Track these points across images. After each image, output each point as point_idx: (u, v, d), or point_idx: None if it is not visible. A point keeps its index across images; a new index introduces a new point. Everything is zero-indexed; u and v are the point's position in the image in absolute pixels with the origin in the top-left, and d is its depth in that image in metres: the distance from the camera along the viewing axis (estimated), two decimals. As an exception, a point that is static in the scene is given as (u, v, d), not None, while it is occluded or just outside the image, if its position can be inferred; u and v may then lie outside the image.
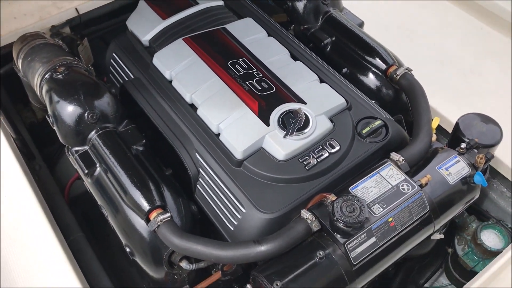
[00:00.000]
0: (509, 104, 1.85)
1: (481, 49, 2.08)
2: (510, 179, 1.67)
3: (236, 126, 1.29)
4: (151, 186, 1.21)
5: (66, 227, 1.54)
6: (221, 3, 1.68)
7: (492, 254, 1.57)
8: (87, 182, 1.34)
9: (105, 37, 1.94)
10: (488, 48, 2.07)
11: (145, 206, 1.17)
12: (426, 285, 1.87)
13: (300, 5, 1.70)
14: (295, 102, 1.35)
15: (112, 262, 1.66)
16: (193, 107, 1.39)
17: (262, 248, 1.08)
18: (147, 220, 1.17)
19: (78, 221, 1.62)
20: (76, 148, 1.32)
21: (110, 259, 1.64)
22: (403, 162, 1.24)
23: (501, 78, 1.97)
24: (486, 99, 1.85)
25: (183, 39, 1.51)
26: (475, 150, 1.33)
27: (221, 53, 1.47)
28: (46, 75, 1.37)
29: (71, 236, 1.54)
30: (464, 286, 1.39)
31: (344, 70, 1.59)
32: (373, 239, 1.12)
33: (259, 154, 1.27)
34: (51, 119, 1.34)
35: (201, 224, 1.31)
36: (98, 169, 1.29)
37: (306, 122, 1.29)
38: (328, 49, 1.65)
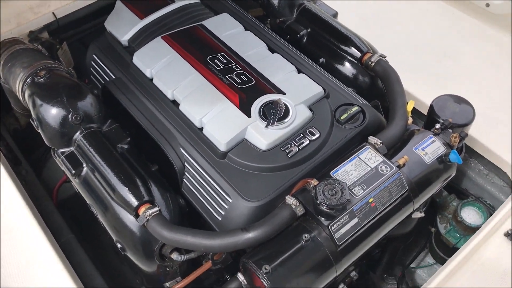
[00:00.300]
0: (480, 85, 1.91)
1: (454, 33, 2.14)
2: (486, 157, 1.73)
3: (219, 119, 1.33)
4: (138, 182, 1.24)
5: (56, 229, 1.56)
6: (197, 0, 1.70)
7: (473, 230, 1.63)
8: (75, 182, 1.36)
9: (84, 39, 1.95)
10: (460, 32, 2.13)
11: (134, 201, 1.20)
12: (412, 265, 1.93)
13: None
14: (275, 93, 1.38)
15: (105, 261, 1.69)
16: (175, 103, 1.42)
17: (250, 235, 1.12)
18: (136, 216, 1.20)
19: (68, 223, 1.64)
20: (62, 150, 1.35)
21: (102, 259, 1.66)
22: (381, 145, 1.28)
23: (473, 60, 2.03)
24: (459, 81, 1.91)
25: (161, 37, 1.53)
26: (450, 130, 1.39)
27: (200, 49, 1.50)
28: (28, 80, 1.39)
29: (62, 238, 1.56)
30: (446, 262, 1.45)
31: (321, 60, 1.63)
32: (355, 220, 1.17)
33: (242, 145, 1.30)
34: (35, 123, 1.36)
35: (189, 217, 1.35)
36: (85, 169, 1.32)
37: (286, 112, 1.33)
38: (304, 40, 1.69)
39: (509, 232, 1.51)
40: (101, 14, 1.87)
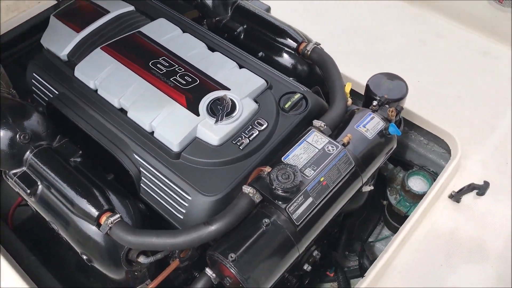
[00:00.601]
0: (412, 62, 2.04)
1: (382, 16, 2.26)
2: (425, 128, 1.85)
3: (168, 121, 1.36)
4: (96, 193, 1.25)
5: (17, 253, 1.54)
6: (132, 8, 1.72)
7: (421, 197, 1.73)
8: (32, 202, 1.36)
9: (21, 60, 1.92)
10: (387, 15, 2.26)
11: (94, 212, 1.21)
12: (370, 239, 2.04)
13: (208, 0, 1.79)
14: (220, 89, 1.43)
15: (70, 280, 1.68)
16: (123, 111, 1.44)
17: (213, 227, 1.16)
18: (98, 225, 1.21)
19: (28, 246, 1.62)
20: (14, 171, 1.34)
21: (67, 278, 1.65)
22: (325, 127, 1.36)
23: (402, 40, 2.16)
24: (391, 60, 2.03)
25: (101, 48, 1.54)
26: (387, 106, 1.48)
27: (141, 56, 1.52)
28: (-32, 105, 1.37)
29: (24, 261, 1.54)
30: (398, 230, 1.55)
31: (260, 53, 1.69)
32: (310, 199, 1.23)
33: (195, 144, 1.34)
34: (-18, 148, 1.34)
35: (152, 220, 1.37)
36: (40, 187, 1.31)
37: (233, 107, 1.38)
38: (242, 36, 1.74)
39: (452, 194, 1.64)
40: (35, 32, 1.85)
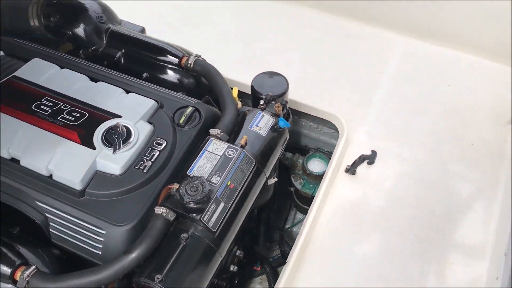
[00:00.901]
0: (289, 57, 2.18)
1: (252, 16, 2.38)
2: (312, 114, 2.00)
3: (65, 161, 1.34)
4: (4, 250, 1.20)
5: None
6: (1, 53, 1.65)
7: (321, 177, 1.87)
8: None
9: None
10: (258, 15, 2.38)
11: (6, 270, 1.17)
12: (287, 225, 2.15)
13: (80, 31, 1.76)
14: (111, 118, 1.43)
15: None
16: (14, 160, 1.38)
17: (133, 255, 1.18)
18: (14, 282, 1.17)
19: None
20: None
21: None
22: (222, 133, 1.42)
23: (275, 36, 2.30)
24: (270, 58, 2.16)
25: (-24, 101, 1.47)
26: (273, 102, 1.58)
27: (22, 100, 1.47)
28: None
29: None
30: (308, 211, 1.67)
31: (145, 75, 1.71)
32: (222, 205, 1.30)
33: (97, 177, 1.33)
34: None
35: (70, 263, 1.34)
36: None
37: (128, 133, 1.39)
38: (122, 61, 1.75)
39: (347, 168, 1.80)
40: None
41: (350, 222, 1.68)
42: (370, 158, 1.79)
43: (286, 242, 1.99)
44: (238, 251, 1.53)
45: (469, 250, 1.61)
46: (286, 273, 1.50)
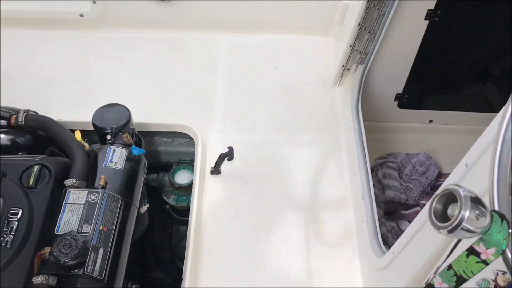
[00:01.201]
0: (117, 81, 2.15)
1: (75, 52, 2.30)
2: (161, 130, 2.03)
3: None
4: None
5: None
6: None
7: (191, 186, 1.93)
8: None
9: None
10: (82, 47, 2.31)
11: None
12: (174, 242, 2.17)
13: None
14: (-49, 206, 1.32)
15: None
16: None
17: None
18: None
19: None
20: None
21: None
22: (78, 181, 1.40)
23: (100, 66, 2.24)
24: (101, 87, 2.11)
25: None
26: (120, 133, 1.58)
27: None
28: None
29: None
30: (188, 223, 1.72)
31: (-26, 147, 1.59)
32: (101, 250, 1.28)
33: (-44, 272, 1.23)
34: None
35: None
36: None
37: (-24, 214, 1.30)
38: None
39: (212, 170, 1.88)
40: None
41: (230, 215, 1.77)
42: (229, 155, 1.89)
43: (178, 258, 2.01)
44: (134, 286, 1.53)
45: (335, 204, 1.82)
46: (186, 286, 1.54)
